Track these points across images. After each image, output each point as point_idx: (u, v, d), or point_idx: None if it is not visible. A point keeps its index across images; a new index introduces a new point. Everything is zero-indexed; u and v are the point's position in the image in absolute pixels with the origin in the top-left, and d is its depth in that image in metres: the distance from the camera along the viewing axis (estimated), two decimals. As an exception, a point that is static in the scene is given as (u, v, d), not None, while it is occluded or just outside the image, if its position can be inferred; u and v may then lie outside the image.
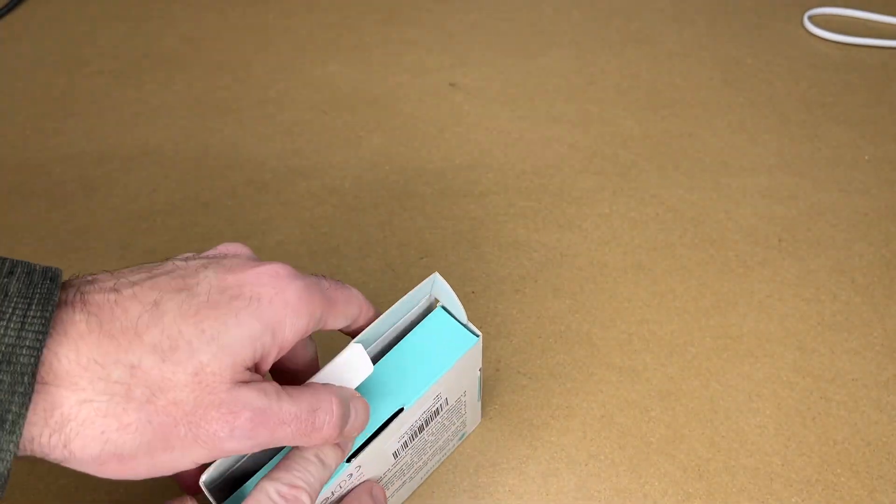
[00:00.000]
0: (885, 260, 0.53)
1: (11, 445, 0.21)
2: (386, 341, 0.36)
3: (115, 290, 0.24)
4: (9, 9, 0.72)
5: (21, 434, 0.21)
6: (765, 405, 0.45)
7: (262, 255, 0.53)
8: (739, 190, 0.57)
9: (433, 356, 0.35)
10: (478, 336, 0.36)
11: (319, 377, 0.29)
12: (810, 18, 0.70)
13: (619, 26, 0.70)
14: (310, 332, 0.27)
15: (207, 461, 0.26)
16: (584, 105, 0.63)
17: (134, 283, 0.24)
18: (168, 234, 0.55)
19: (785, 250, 0.53)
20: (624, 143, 0.60)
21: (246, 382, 0.25)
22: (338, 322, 0.29)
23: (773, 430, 0.44)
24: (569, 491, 0.42)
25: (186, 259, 0.27)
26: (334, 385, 0.28)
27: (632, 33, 0.70)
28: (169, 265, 0.26)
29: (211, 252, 0.28)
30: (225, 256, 0.27)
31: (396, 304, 0.34)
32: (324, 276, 0.29)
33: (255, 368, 0.26)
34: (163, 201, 0.57)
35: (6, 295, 0.22)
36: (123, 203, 0.57)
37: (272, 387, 0.26)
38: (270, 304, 0.25)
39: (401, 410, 0.33)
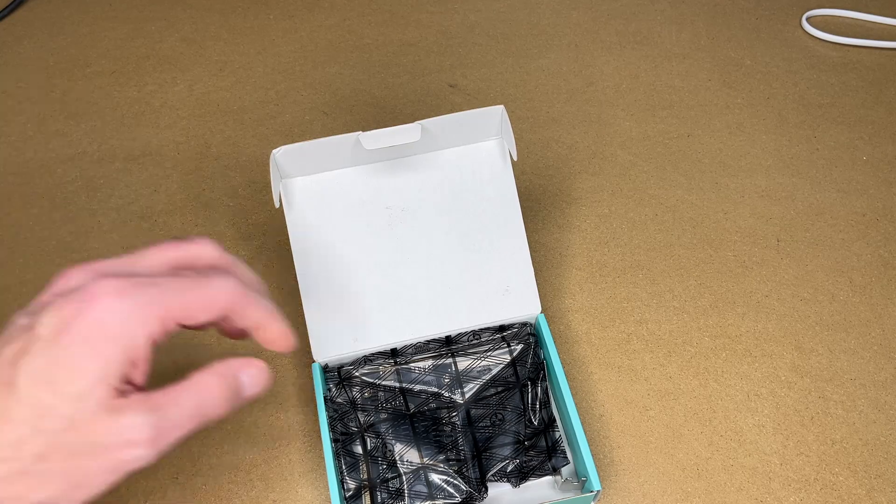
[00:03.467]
0: (883, 260, 0.53)
1: None
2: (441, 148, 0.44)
3: None
4: (10, 10, 0.72)
5: None
6: (763, 405, 0.46)
7: (263, 255, 0.53)
8: (738, 190, 0.57)
9: None
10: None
11: None
12: (808, 20, 0.70)
13: (617, 28, 0.71)
14: (167, 333, 0.28)
15: (122, 479, 0.28)
16: (584, 106, 0.63)
17: None
18: (169, 234, 0.55)
19: (783, 250, 0.53)
20: (623, 144, 0.60)
21: (123, 409, 0.26)
22: (199, 317, 0.29)
23: (771, 429, 0.45)
24: (568, 490, 0.42)
25: (28, 308, 0.28)
26: (219, 364, 0.29)
27: (630, 35, 0.70)
28: (12, 330, 0.27)
29: (45, 293, 0.29)
30: (54, 302, 0.27)
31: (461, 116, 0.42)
32: (183, 273, 0.29)
33: (134, 385, 0.28)
34: (164, 201, 0.57)
35: None
36: (125, 203, 0.57)
37: (155, 399, 0.27)
38: (101, 333, 0.26)
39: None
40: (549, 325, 0.49)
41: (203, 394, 0.29)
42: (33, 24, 0.72)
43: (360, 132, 0.41)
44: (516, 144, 0.60)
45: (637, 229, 0.55)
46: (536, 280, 0.51)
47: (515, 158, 0.44)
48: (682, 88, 0.65)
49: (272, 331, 0.31)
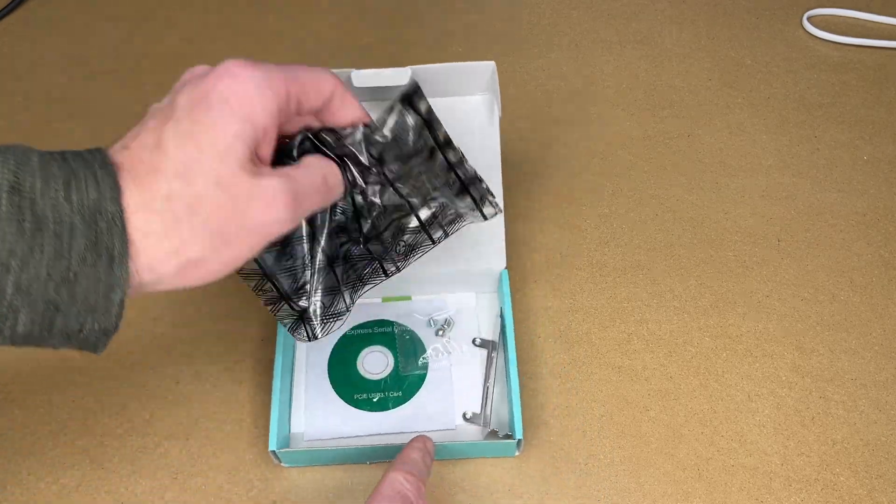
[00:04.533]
0: (883, 260, 0.53)
1: (123, 274, 0.26)
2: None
3: (127, 147, 0.28)
4: (9, 9, 0.72)
5: (128, 267, 0.26)
6: (764, 405, 0.46)
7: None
8: (738, 190, 0.57)
9: None
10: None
11: None
12: (809, 19, 0.70)
13: (618, 27, 0.71)
14: (288, 111, 0.30)
15: (263, 246, 0.30)
16: (584, 106, 0.63)
17: (137, 136, 0.28)
18: (168, 234, 0.55)
19: (784, 250, 0.53)
20: (623, 144, 0.60)
21: (260, 173, 0.29)
22: (311, 99, 0.31)
23: (772, 429, 0.45)
24: (569, 491, 0.42)
25: (162, 101, 0.30)
26: (320, 157, 0.33)
27: (631, 34, 0.70)
28: (152, 111, 0.29)
29: (178, 84, 0.31)
30: (189, 81, 0.30)
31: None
32: (295, 64, 0.32)
33: (261, 161, 0.30)
34: (163, 201, 0.57)
35: (72, 170, 0.26)
36: (124, 203, 0.57)
37: (285, 170, 0.30)
38: (236, 99, 0.28)
39: None
40: (549, 326, 0.49)
41: (326, 169, 0.33)
42: (33, 23, 0.72)
43: (354, 69, 0.43)
44: (517, 142, 0.60)
45: (637, 229, 0.55)
46: (537, 281, 0.51)
47: (500, 115, 0.45)
48: (683, 88, 0.65)
49: (361, 116, 0.34)
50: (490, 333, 0.48)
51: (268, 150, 0.30)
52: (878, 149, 0.60)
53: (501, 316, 0.47)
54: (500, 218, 0.47)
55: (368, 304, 0.50)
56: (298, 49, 0.69)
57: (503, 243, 0.47)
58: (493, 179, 0.46)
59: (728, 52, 0.68)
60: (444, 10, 0.73)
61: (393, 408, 0.46)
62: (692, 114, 0.63)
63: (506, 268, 0.47)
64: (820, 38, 0.69)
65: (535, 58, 0.68)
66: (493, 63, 0.43)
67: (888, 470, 0.43)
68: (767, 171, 0.58)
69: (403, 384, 0.47)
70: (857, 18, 0.70)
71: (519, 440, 0.41)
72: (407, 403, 0.46)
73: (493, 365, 0.46)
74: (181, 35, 0.71)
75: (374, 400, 0.46)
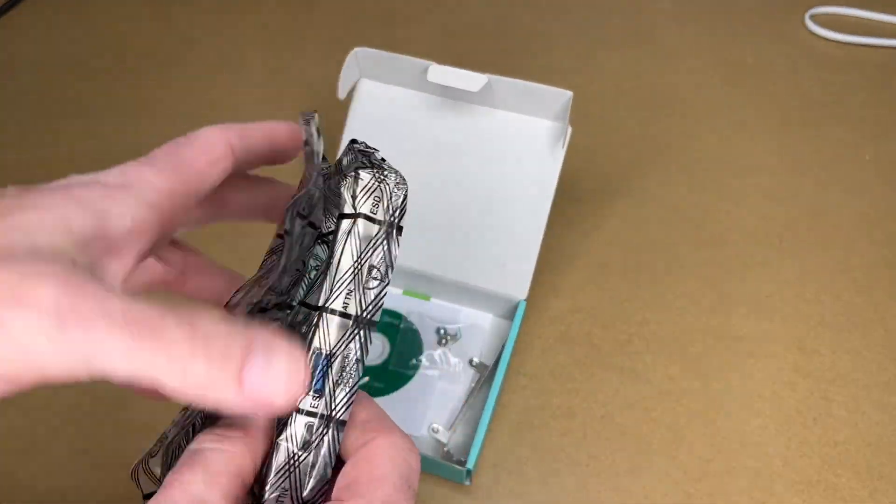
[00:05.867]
0: (886, 260, 0.52)
1: None
2: None
3: None
4: (6, 8, 0.72)
5: None
6: (766, 406, 0.45)
7: (257, 258, 0.53)
8: (740, 189, 0.57)
9: None
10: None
11: None
12: (812, 17, 0.70)
13: (619, 25, 0.70)
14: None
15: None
16: (584, 105, 0.63)
17: None
18: (168, 234, 0.55)
19: (786, 250, 0.53)
20: (624, 143, 0.60)
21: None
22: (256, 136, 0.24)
23: (774, 430, 0.44)
24: (569, 492, 0.42)
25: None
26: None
27: (632, 32, 0.70)
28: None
29: None
30: None
31: None
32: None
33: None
34: (163, 201, 0.57)
35: None
36: (123, 203, 0.57)
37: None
38: None
39: None
40: (549, 326, 0.49)
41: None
42: (30, 22, 0.72)
43: (433, 63, 0.44)
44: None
45: (639, 229, 0.54)
46: (538, 281, 0.51)
47: (565, 148, 0.45)
48: (685, 86, 0.65)
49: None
50: (490, 358, 0.48)
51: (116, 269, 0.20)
52: (880, 148, 0.59)
53: (503, 345, 0.46)
54: (537, 247, 0.46)
55: (388, 293, 0.50)
56: (298, 48, 0.69)
57: (530, 273, 0.46)
58: (542, 209, 0.46)
59: (730, 50, 0.68)
60: (445, 10, 0.72)
61: (372, 396, 0.45)
62: (694, 113, 0.62)
63: (525, 299, 0.46)
64: (822, 37, 0.68)
65: (535, 56, 0.67)
66: (570, 93, 0.43)
67: (891, 471, 0.43)
68: (769, 170, 0.58)
69: (389, 378, 0.47)
70: (860, 17, 0.70)
71: (468, 470, 0.40)
72: (386, 397, 0.46)
73: (476, 390, 0.46)
74: (181, 35, 0.71)
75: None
